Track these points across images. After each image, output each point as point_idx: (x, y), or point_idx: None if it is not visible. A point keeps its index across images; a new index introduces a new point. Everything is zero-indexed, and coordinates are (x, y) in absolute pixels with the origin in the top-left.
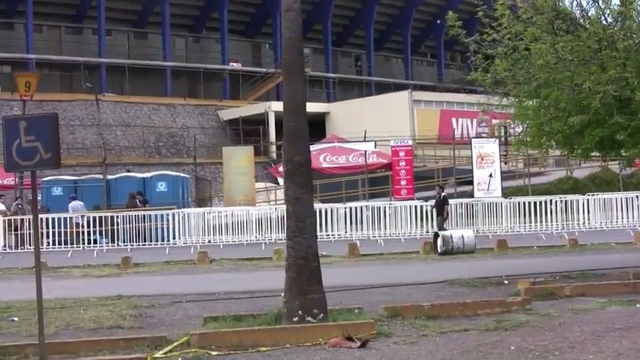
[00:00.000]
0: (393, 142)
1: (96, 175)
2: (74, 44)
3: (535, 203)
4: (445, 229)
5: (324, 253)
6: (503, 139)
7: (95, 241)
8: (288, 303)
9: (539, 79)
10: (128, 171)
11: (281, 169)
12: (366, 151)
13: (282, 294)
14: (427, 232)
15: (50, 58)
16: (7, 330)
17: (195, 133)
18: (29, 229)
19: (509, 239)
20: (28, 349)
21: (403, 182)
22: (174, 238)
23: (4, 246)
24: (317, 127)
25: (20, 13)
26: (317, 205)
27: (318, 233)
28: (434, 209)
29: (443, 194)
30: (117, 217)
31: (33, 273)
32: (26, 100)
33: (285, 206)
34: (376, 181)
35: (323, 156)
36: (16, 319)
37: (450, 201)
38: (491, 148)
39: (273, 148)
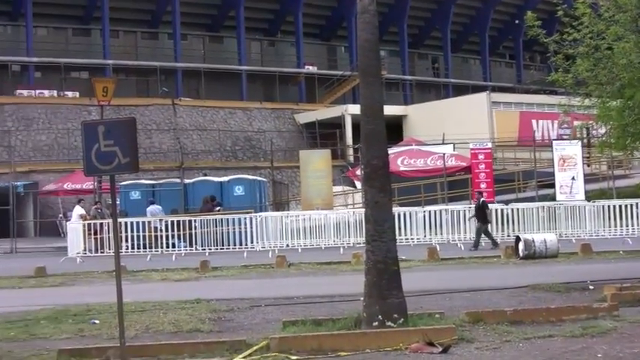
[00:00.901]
0: (472, 144)
1: (173, 180)
2: (150, 49)
3: (620, 207)
4: (491, 235)
5: (403, 258)
6: (585, 140)
7: (173, 245)
8: (368, 307)
9: (622, 79)
10: (205, 175)
11: (358, 172)
12: (444, 154)
13: (362, 298)
14: (508, 235)
15: (127, 63)
16: (88, 332)
17: (271, 136)
18: (108, 233)
19: (594, 243)
20: (110, 352)
21: (483, 185)
22: (251, 242)
23: (85, 250)
24: (394, 130)
25: (97, 20)
26: (395, 209)
27: (397, 237)
28: (472, 217)
29: (482, 199)
30: (195, 221)
31: (113, 276)
32: (104, 105)
33: (363, 210)
34: (455, 184)
35: (401, 159)
36: (97, 321)
37: (531, 204)
38: (573, 150)
39: (351, 151)
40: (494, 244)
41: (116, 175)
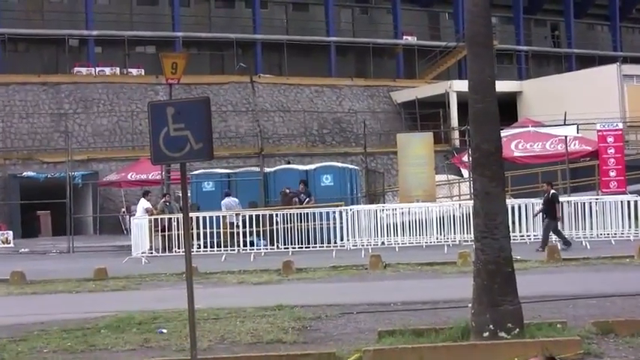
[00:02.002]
0: (600, 125)
1: (252, 168)
2: (225, 19)
3: None
4: (561, 233)
5: (518, 257)
6: None
7: (252, 244)
8: (477, 315)
9: None
10: (288, 162)
11: (465, 158)
12: (566, 137)
13: (470, 305)
14: None
15: (199, 35)
16: (155, 343)
17: (364, 118)
18: (178, 230)
19: None
20: None
21: (612, 173)
22: (341, 239)
23: (151, 249)
24: (507, 109)
25: None
26: (509, 201)
27: (511, 233)
28: (539, 213)
29: (552, 191)
30: (276, 215)
31: (183, 279)
32: (173, 84)
33: (471, 202)
34: (579, 172)
35: (515, 143)
36: (164, 330)
37: None
38: None
39: (456, 134)
40: (566, 243)
41: (187, 163)
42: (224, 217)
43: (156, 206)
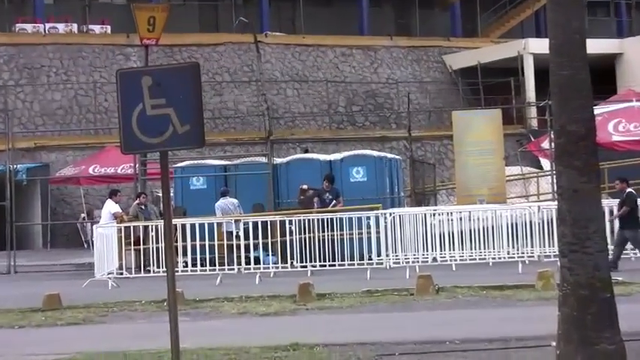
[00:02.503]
0: None
1: (257, 159)
2: None
3: None
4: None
5: (619, 279)
6: None
7: (257, 260)
8: (565, 357)
9: None
10: (306, 151)
11: (546, 144)
12: None
13: (554, 343)
14: None
15: None
16: None
17: (408, 90)
18: (157, 243)
19: None
20: None
21: None
22: (378, 254)
23: (121, 268)
24: (603, 78)
25: None
26: (606, 202)
27: (610, 246)
28: (616, 217)
29: (628, 190)
30: (290, 222)
31: (164, 309)
32: (150, 45)
33: (554, 204)
34: None
35: (614, 123)
36: None
37: None
38: None
39: (533, 111)
40: (614, 263)
41: (170, 152)
42: (219, 224)
43: (127, 210)
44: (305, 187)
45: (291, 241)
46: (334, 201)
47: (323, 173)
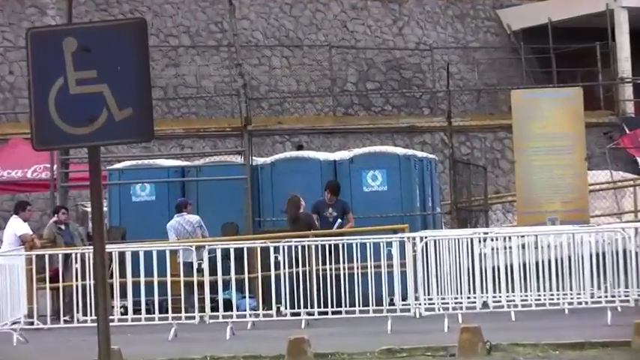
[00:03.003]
0: None
1: (229, 158)
2: None
3: None
4: None
5: None
6: None
7: (228, 305)
8: None
9: None
10: (300, 147)
11: None
12: None
13: None
14: None
15: None
16: None
17: (446, 60)
18: (84, 279)
19: None
20: None
21: None
22: (403, 297)
23: (31, 315)
24: None
25: None
26: None
27: None
28: None
29: None
30: (276, 250)
31: None
32: None
33: None
34: None
35: None
36: None
37: None
38: None
39: (627, 91)
40: None
41: (103, 148)
42: (174, 252)
43: (41, 232)
44: (297, 198)
45: (278, 276)
46: (339, 220)
47: (324, 180)
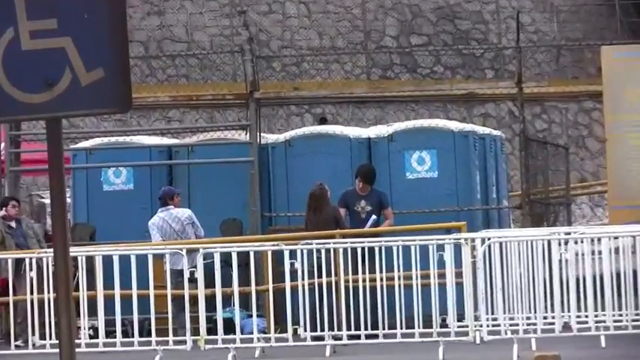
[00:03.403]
0: None
1: (230, 134)
2: None
3: None
4: None
5: None
6: None
7: (230, 326)
8: None
9: None
10: (323, 121)
11: None
12: None
13: None
14: None
15: None
16: None
17: (518, 6)
18: (41, 292)
19: None
20: None
21: None
22: (459, 316)
23: None
24: None
25: None
26: None
27: None
28: None
29: None
30: (292, 255)
31: None
32: None
33: None
34: None
35: None
36: None
37: None
38: None
39: None
40: None
41: (66, 121)
42: (158, 258)
43: None
44: (322, 188)
45: (295, 289)
46: (374, 216)
47: (355, 164)
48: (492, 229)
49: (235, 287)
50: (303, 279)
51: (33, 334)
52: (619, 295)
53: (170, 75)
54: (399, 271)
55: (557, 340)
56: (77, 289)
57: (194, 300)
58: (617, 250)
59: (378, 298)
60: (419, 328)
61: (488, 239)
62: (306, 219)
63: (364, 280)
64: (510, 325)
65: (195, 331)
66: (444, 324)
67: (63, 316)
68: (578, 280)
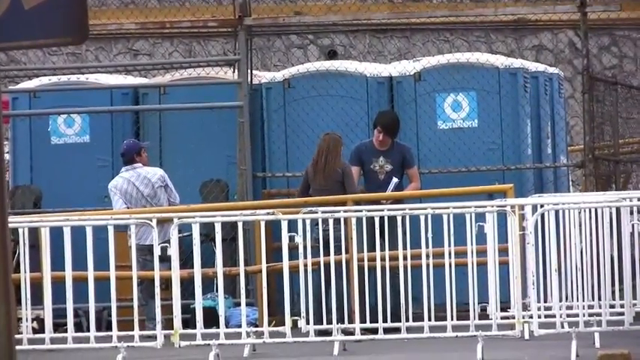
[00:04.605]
0: None
1: (212, 73)
2: None
3: None
4: None
5: None
6: None
7: (211, 317)
8: None
9: None
10: (332, 55)
11: None
12: None
13: None
14: None
15: None
16: None
17: None
18: None
19: None
20: None
21: None
22: (502, 305)
23: None
24: None
25: None
26: None
27: None
28: None
29: None
30: (292, 225)
31: None
32: None
33: None
34: None
35: None
36: None
37: None
38: None
39: None
40: None
41: (3, 53)
42: (119, 229)
43: None
44: (337, 139)
45: (295, 271)
46: (394, 179)
47: (373, 110)
48: (547, 193)
49: (219, 268)
50: (305, 257)
51: None
52: None
53: None
54: (427, 247)
55: (625, 335)
56: (17, 269)
57: (166, 284)
58: None
59: (401, 282)
60: (452, 319)
61: (541, 206)
62: (310, 179)
63: (383, 259)
64: (568, 315)
65: (168, 324)
66: (483, 314)
67: (0, 304)
68: None
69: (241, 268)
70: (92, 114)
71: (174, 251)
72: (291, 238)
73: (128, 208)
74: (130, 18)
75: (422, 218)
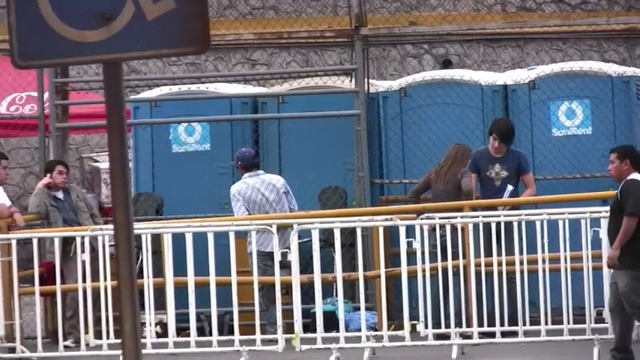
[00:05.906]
0: None
1: (329, 83)
2: None
3: None
4: None
5: None
6: None
7: (332, 321)
8: None
9: None
10: (447, 64)
11: None
12: None
13: None
14: None
15: None
16: None
17: None
18: (95, 279)
19: None
20: None
21: None
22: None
23: (11, 338)
24: None
25: None
26: None
27: None
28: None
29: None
30: (410, 231)
31: None
32: None
33: None
34: None
35: None
36: None
37: None
38: None
39: None
40: None
41: (126, 64)
42: (242, 236)
43: (25, 202)
44: (466, 151)
45: (413, 276)
46: (509, 186)
47: (488, 118)
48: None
49: (338, 273)
50: (423, 262)
51: (86, 332)
52: None
53: (254, 7)
54: (543, 252)
55: None
56: (141, 275)
57: (287, 289)
58: None
59: (517, 286)
60: (568, 323)
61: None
62: (426, 178)
63: (499, 264)
64: None
65: (289, 328)
66: (599, 318)
67: (125, 309)
68: None
69: (360, 273)
70: (212, 122)
71: (294, 257)
72: (409, 244)
73: (249, 214)
74: (247, 28)
75: (537, 224)
